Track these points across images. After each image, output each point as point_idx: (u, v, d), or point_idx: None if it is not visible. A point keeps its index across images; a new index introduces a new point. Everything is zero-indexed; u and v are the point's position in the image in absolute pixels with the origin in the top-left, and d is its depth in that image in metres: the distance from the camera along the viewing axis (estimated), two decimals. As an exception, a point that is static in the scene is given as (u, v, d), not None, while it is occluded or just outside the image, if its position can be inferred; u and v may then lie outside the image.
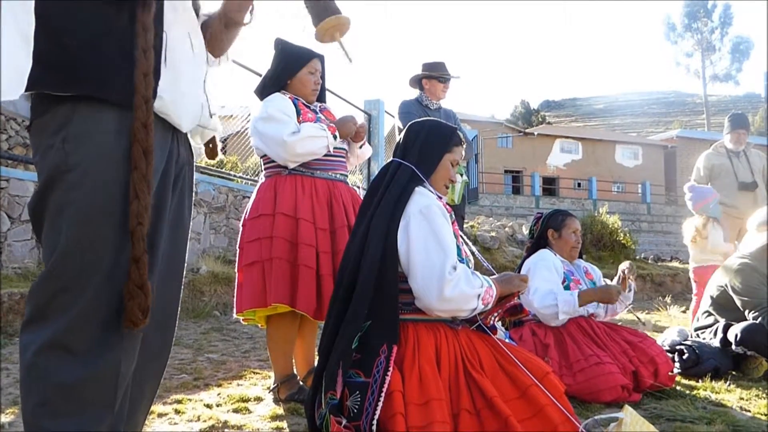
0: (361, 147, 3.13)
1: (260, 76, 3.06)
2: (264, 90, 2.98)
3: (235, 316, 2.90)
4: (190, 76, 1.67)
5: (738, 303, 3.70)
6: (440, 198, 2.17)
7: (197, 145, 1.82)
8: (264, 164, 2.98)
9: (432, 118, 2.40)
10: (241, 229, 2.92)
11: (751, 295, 3.65)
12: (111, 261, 1.45)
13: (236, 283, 2.87)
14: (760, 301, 3.60)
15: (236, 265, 2.90)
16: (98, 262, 1.44)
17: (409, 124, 2.31)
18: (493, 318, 2.17)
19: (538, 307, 3.20)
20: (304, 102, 2.97)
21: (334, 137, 2.89)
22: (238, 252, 2.89)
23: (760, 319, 3.54)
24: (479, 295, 1.97)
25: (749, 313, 3.62)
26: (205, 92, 1.73)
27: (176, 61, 1.60)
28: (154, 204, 1.51)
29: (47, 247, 1.47)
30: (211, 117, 1.77)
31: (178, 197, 1.72)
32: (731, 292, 3.75)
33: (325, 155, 2.88)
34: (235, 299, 2.87)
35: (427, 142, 2.20)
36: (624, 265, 3.49)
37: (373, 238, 1.99)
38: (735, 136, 5.82)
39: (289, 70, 2.96)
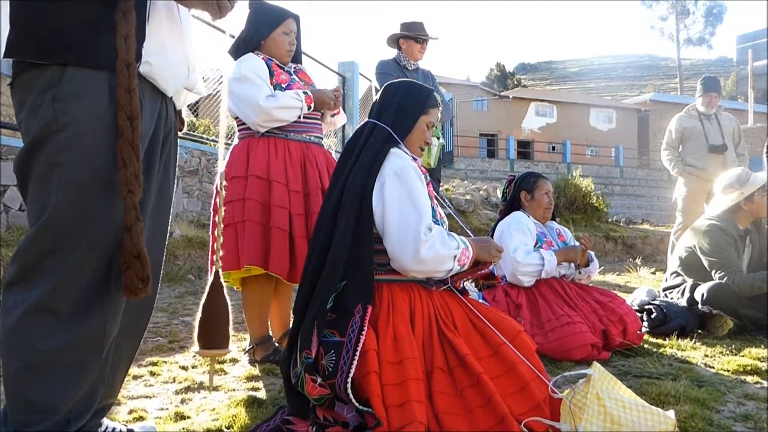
0: (333, 116, 3.09)
1: (233, 37, 2.99)
2: (238, 51, 2.92)
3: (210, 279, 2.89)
4: (178, 39, 1.63)
5: (705, 263, 3.79)
6: (415, 160, 2.16)
7: (179, 106, 1.79)
8: (237, 126, 2.94)
9: (409, 79, 2.38)
10: (214, 192, 2.90)
11: (718, 256, 3.73)
12: (98, 225, 1.43)
13: (210, 247, 2.86)
14: (726, 262, 3.69)
15: (210, 228, 2.88)
16: (86, 226, 1.43)
17: (386, 84, 2.29)
18: (463, 282, 2.20)
19: (523, 261, 3.24)
20: (278, 63, 2.92)
21: (309, 107, 2.85)
22: (211, 215, 2.88)
23: (725, 279, 3.63)
24: (455, 257, 1.98)
25: (715, 273, 3.71)
26: (192, 56, 1.70)
27: (163, 24, 1.56)
28: (144, 168, 1.50)
29: (35, 208, 1.44)
30: (196, 81, 1.75)
31: (165, 159, 1.70)
32: (699, 253, 3.83)
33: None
34: (209, 262, 2.86)
35: (403, 103, 2.18)
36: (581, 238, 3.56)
37: (348, 199, 1.99)
38: (707, 99, 5.91)
39: (263, 31, 2.89)
